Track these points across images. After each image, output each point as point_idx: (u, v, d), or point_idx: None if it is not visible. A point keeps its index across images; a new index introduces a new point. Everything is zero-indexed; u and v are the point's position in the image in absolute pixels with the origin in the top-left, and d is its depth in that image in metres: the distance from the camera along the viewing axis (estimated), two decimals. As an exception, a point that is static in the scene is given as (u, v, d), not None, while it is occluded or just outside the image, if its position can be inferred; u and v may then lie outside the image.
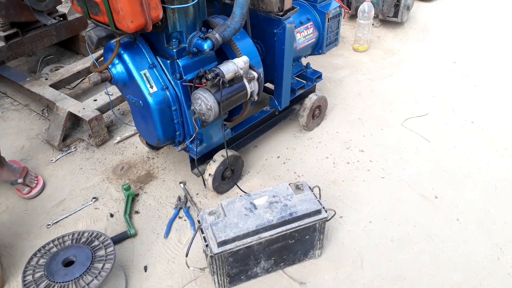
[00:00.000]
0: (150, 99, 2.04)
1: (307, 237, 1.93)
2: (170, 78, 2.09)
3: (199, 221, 1.89)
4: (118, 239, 2.16)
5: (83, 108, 2.77)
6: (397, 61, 3.80)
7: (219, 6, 2.47)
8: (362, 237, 2.19)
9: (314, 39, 2.76)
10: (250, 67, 2.16)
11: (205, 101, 1.98)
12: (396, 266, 2.06)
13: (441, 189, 2.47)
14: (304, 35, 2.68)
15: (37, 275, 1.76)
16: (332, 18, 2.77)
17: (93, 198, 2.42)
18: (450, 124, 3.01)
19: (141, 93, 2.04)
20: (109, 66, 2.04)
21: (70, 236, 1.94)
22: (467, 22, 4.44)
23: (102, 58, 2.19)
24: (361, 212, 2.33)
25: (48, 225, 2.28)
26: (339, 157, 2.72)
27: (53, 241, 1.92)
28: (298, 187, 2.00)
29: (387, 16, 4.15)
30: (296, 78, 2.90)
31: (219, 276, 1.86)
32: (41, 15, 3.10)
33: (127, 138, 2.88)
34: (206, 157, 2.42)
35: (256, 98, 2.22)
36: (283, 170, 2.61)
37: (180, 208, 2.33)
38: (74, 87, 3.40)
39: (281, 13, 2.32)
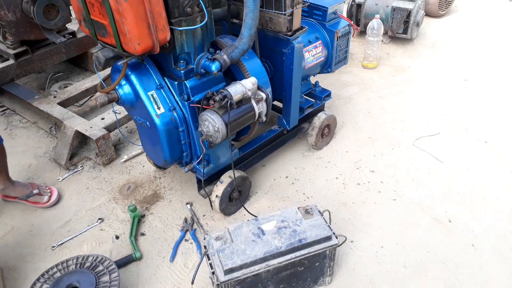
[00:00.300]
0: (157, 120, 2.01)
1: (317, 264, 1.87)
2: (177, 99, 2.07)
3: (205, 246, 1.84)
4: (123, 263, 2.11)
5: (91, 127, 2.75)
6: (407, 78, 3.75)
7: (227, 25, 2.46)
8: (374, 263, 2.12)
9: (323, 58, 2.73)
10: (258, 88, 2.13)
11: (212, 123, 1.95)
12: (409, 294, 1.98)
13: (455, 213, 2.40)
14: (312, 54, 2.66)
15: (40, 301, 1.72)
16: (341, 37, 2.74)
17: (99, 219, 2.39)
18: (463, 144, 2.94)
19: (148, 114, 2.02)
20: (116, 87, 2.02)
21: (74, 261, 1.91)
22: (477, 38, 4.39)
23: (109, 78, 2.18)
24: (373, 236, 2.26)
25: (53, 247, 2.24)
26: (349, 178, 2.66)
27: (57, 265, 1.89)
28: (307, 211, 1.94)
29: (397, 33, 4.12)
30: (304, 96, 2.87)
31: (225, 303, 1.80)
32: (51, 33, 3.13)
33: (134, 157, 2.86)
34: (213, 178, 2.38)
35: (264, 119, 2.18)
36: (291, 191, 2.56)
37: (187, 231, 2.29)
38: (82, 105, 3.41)
39: (289, 33, 2.29)
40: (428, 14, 4.59)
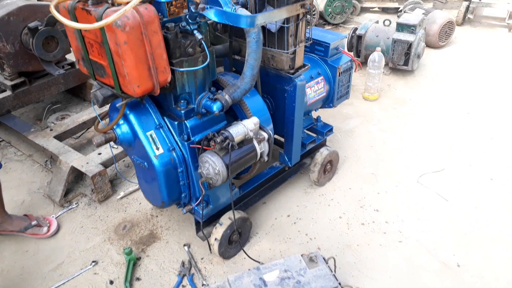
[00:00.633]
0: (155, 161, 1.94)
1: (321, 316, 1.76)
2: (177, 139, 2.01)
3: (204, 297, 1.74)
4: (117, 311, 2.00)
5: (87, 163, 2.68)
6: (409, 111, 3.71)
7: (229, 61, 2.42)
8: (381, 312, 2.02)
9: (324, 93, 2.69)
10: (260, 128, 2.07)
11: (213, 165, 1.88)
12: None
13: (463, 256, 2.31)
14: (314, 90, 2.62)
15: None
16: (343, 72, 2.71)
17: (93, 261, 2.28)
18: (468, 180, 2.88)
19: (147, 155, 1.95)
20: (114, 127, 1.96)
21: (65, 311, 1.80)
22: (478, 70, 4.38)
23: (107, 115, 2.12)
24: (379, 282, 2.16)
25: (43, 292, 2.13)
26: (353, 217, 2.57)
27: (45, 316, 1.78)
28: (311, 259, 1.85)
29: (398, 64, 4.11)
30: (306, 131, 2.81)
31: None
32: (49, 65, 3.09)
33: (131, 193, 2.77)
34: (212, 218, 2.29)
35: (266, 159, 2.11)
36: (293, 232, 2.47)
37: (184, 275, 2.18)
38: (79, 137, 3.34)
39: (292, 71, 2.25)
40: (428, 45, 4.60)
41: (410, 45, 3.94)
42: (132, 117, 1.94)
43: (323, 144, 2.90)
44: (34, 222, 2.43)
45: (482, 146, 3.23)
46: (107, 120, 2.10)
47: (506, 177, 2.89)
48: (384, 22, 4.20)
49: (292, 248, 2.35)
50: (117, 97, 1.87)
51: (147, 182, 2.12)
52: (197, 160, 2.00)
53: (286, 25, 2.04)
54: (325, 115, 3.50)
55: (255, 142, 2.02)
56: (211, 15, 1.76)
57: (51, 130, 3.05)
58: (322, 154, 2.74)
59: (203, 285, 2.12)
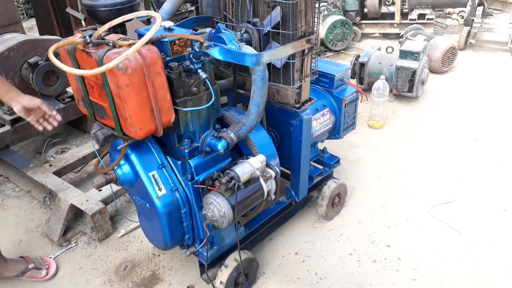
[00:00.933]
0: (158, 203, 1.86)
1: None
2: (180, 179, 1.93)
3: None
4: None
5: (87, 200, 2.59)
6: (415, 138, 3.64)
7: (233, 95, 2.37)
8: None
9: (330, 125, 2.63)
10: (267, 165, 1.99)
11: (218, 207, 1.79)
12: None
13: (482, 296, 2.19)
14: (320, 122, 2.56)
15: None
16: (349, 103, 2.65)
17: (92, 307, 2.17)
18: (481, 212, 2.78)
19: (149, 196, 1.87)
20: (115, 167, 1.89)
21: None
22: (483, 95, 4.33)
23: (108, 154, 2.05)
24: (394, 326, 2.04)
25: None
26: (364, 254, 2.47)
27: None
28: (324, 307, 1.74)
29: (402, 91, 4.07)
30: (312, 163, 2.74)
31: None
32: (49, 99, 3.05)
33: (132, 230, 2.67)
34: (217, 259, 2.19)
35: (273, 197, 2.02)
36: (302, 271, 2.36)
37: (188, 322, 2.07)
38: (79, 170, 3.26)
39: (297, 105, 2.20)
40: (431, 70, 4.57)
41: (414, 72, 3.90)
42: (133, 157, 1.87)
43: (330, 176, 2.82)
44: (31, 265, 2.33)
45: (493, 175, 3.14)
46: (108, 157, 2.03)
47: (520, 208, 2.80)
48: (386, 49, 4.19)
49: (302, 291, 2.25)
50: (118, 136, 1.80)
51: (149, 223, 2.03)
52: (201, 200, 1.91)
53: (291, 61, 1.99)
54: (330, 144, 3.42)
55: (261, 181, 1.94)
56: (216, 53, 1.72)
57: (50, 165, 2.98)
58: (330, 187, 2.65)
59: (208, 333, 2.00)
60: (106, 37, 1.58)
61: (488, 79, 4.67)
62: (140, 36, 1.85)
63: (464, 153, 3.41)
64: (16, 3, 7.76)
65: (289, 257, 2.46)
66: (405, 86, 4.01)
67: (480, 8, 5.62)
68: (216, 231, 2.05)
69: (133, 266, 2.43)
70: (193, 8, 4.41)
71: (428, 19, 5.53)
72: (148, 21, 3.52)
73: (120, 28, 1.84)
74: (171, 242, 1.99)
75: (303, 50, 2.01)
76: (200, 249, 2.05)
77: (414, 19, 5.57)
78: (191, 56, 1.69)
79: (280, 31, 1.94)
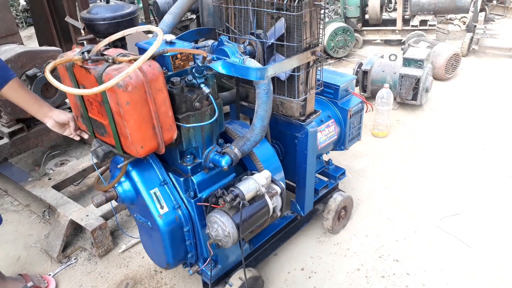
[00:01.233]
0: (159, 221, 1.80)
1: None
2: (183, 196, 1.87)
3: None
4: None
5: (87, 215, 2.53)
6: (421, 147, 3.58)
7: (236, 107, 2.31)
8: None
9: (335, 136, 2.58)
10: (272, 181, 1.93)
11: (222, 227, 1.73)
12: None
13: (495, 313, 2.12)
14: (325, 134, 2.50)
15: None
16: (354, 114, 2.60)
17: (92, 328, 2.10)
18: (490, 224, 2.71)
19: (150, 214, 1.81)
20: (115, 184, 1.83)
21: None
22: (488, 102, 4.27)
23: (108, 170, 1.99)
24: None
25: None
26: (372, 269, 2.40)
27: None
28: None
29: (406, 99, 4.01)
30: (317, 176, 2.67)
31: None
32: (49, 111, 2.98)
33: (133, 246, 2.61)
34: (221, 277, 2.12)
35: (279, 214, 1.96)
36: (309, 288, 2.29)
37: None
38: (79, 183, 3.20)
39: (302, 118, 2.14)
40: (434, 77, 4.52)
41: (418, 80, 3.85)
42: (134, 174, 1.81)
43: (335, 188, 2.76)
44: (30, 284, 2.26)
45: (501, 185, 3.07)
46: (108, 172, 1.97)
47: (530, 220, 2.73)
48: (390, 57, 4.14)
49: (309, 309, 2.18)
50: (119, 152, 1.75)
51: (151, 241, 1.97)
52: (205, 218, 1.85)
53: (296, 73, 1.94)
54: (334, 154, 3.35)
55: (267, 198, 1.87)
56: (219, 67, 1.66)
57: (49, 179, 2.92)
58: (335, 201, 2.59)
59: None
60: (105, 52, 1.53)
61: (492, 86, 4.62)
62: (141, 50, 1.80)
63: (471, 162, 3.35)
64: (15, 11, 7.75)
65: (294, 273, 2.39)
66: (409, 94, 3.96)
67: (482, 14, 5.59)
68: (220, 249, 1.99)
69: (135, 283, 2.36)
70: (193, 16, 4.37)
71: (430, 25, 5.49)
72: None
73: (120, 42, 1.79)
74: (174, 261, 1.93)
75: (308, 62, 1.95)
76: (203, 268, 1.98)
77: (416, 26, 5.53)
78: (193, 70, 1.63)
79: (285, 43, 1.88)
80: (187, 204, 1.86)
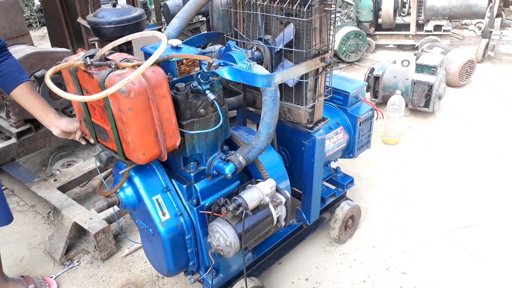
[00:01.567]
0: (161, 229, 1.77)
1: None
2: (185, 203, 1.84)
3: None
4: None
5: (90, 218, 2.51)
6: (433, 156, 3.50)
7: (243, 112, 2.27)
8: None
9: (344, 144, 2.52)
10: (277, 190, 1.88)
11: (224, 236, 1.69)
12: None
13: (506, 332, 2.04)
14: (333, 141, 2.45)
15: None
16: (364, 122, 2.54)
17: (91, 334, 2.08)
18: (502, 238, 2.62)
19: (152, 221, 1.78)
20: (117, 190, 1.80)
21: None
22: (503, 110, 4.16)
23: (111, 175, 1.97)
24: None
25: None
26: (378, 282, 2.33)
27: None
28: None
29: (418, 106, 3.93)
30: (325, 183, 2.62)
31: None
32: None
33: (136, 250, 2.58)
34: (223, 286, 2.08)
35: (283, 224, 1.92)
36: (313, 300, 2.24)
37: None
38: (85, 185, 3.19)
39: (310, 125, 2.09)
40: (448, 84, 4.43)
41: (431, 87, 3.77)
42: (137, 180, 1.78)
43: (343, 197, 2.71)
44: (31, 286, 2.25)
45: (515, 198, 2.98)
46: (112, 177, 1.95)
47: (545, 235, 2.64)
48: (402, 62, 4.06)
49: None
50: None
51: (152, 248, 1.94)
52: (207, 226, 1.81)
53: (304, 80, 1.89)
54: (343, 161, 3.29)
55: (271, 207, 1.83)
56: (225, 73, 1.62)
57: (55, 180, 2.91)
58: (343, 210, 2.53)
59: None
60: (109, 57, 1.51)
61: (508, 93, 4.50)
62: (146, 54, 1.77)
63: (484, 172, 3.26)
64: (29, 11, 7.84)
65: (299, 283, 2.34)
66: (422, 101, 3.87)
67: (499, 20, 5.46)
68: (222, 258, 1.95)
69: (136, 288, 2.34)
70: (204, 18, 4.35)
71: (444, 30, 5.39)
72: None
73: (126, 46, 1.77)
74: (175, 269, 1.90)
75: (317, 69, 1.91)
76: (205, 277, 1.95)
77: (430, 31, 5.43)
78: (199, 76, 1.60)
79: (293, 49, 1.84)
80: (190, 211, 1.83)
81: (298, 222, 2.43)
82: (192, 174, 1.78)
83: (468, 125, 3.93)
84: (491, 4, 5.28)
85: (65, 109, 3.23)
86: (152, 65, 1.42)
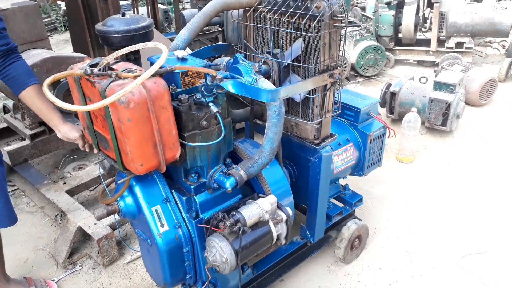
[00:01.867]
0: (159, 240, 1.75)
1: None
2: (184, 215, 1.82)
3: None
4: None
5: (95, 224, 2.52)
6: (447, 177, 3.38)
7: (250, 124, 2.25)
8: None
9: (354, 161, 2.46)
10: (278, 207, 1.84)
11: (220, 252, 1.66)
12: None
13: None
14: (342, 158, 2.39)
15: None
16: (375, 139, 2.48)
17: None
18: (518, 267, 2.51)
19: (150, 232, 1.77)
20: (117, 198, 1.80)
21: None
22: (525, 133, 4.02)
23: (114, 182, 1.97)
24: None
25: None
26: (382, 306, 2.25)
27: None
28: None
29: (435, 124, 3.83)
30: (332, 201, 2.56)
31: None
32: (69, 117, 3.02)
33: (138, 258, 2.57)
34: (221, 301, 2.04)
35: (283, 242, 1.87)
36: (313, 321, 2.17)
37: None
38: (94, 188, 3.21)
39: (317, 141, 2.05)
40: (467, 103, 4.30)
41: (449, 105, 3.67)
42: (137, 189, 1.77)
43: (351, 215, 2.64)
44: None
45: (533, 225, 2.85)
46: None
47: None
48: (420, 79, 3.97)
49: None
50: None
51: (150, 259, 1.92)
52: (205, 240, 1.78)
53: (311, 96, 1.85)
54: (354, 177, 3.22)
55: (271, 224, 1.79)
56: (229, 86, 1.60)
57: (64, 183, 2.94)
58: (349, 229, 2.46)
59: None
60: (114, 66, 1.51)
61: (531, 115, 4.35)
62: (152, 64, 1.77)
63: (501, 197, 3.13)
64: (55, 15, 8.07)
65: (300, 303, 2.28)
66: (439, 119, 3.77)
67: (524, 38, 5.30)
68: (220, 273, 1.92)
69: (135, 297, 2.32)
70: (222, 28, 4.37)
71: (466, 47, 5.26)
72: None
73: (133, 55, 1.77)
74: (171, 281, 1.87)
75: (325, 85, 1.87)
76: (202, 291, 1.91)
77: (452, 47, 5.31)
78: (203, 88, 1.59)
79: (301, 64, 1.81)
80: (188, 224, 1.81)
81: (302, 240, 2.38)
82: (192, 186, 1.76)
83: (487, 146, 3.80)
84: (516, 23, 5.14)
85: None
86: (154, 76, 1.41)
